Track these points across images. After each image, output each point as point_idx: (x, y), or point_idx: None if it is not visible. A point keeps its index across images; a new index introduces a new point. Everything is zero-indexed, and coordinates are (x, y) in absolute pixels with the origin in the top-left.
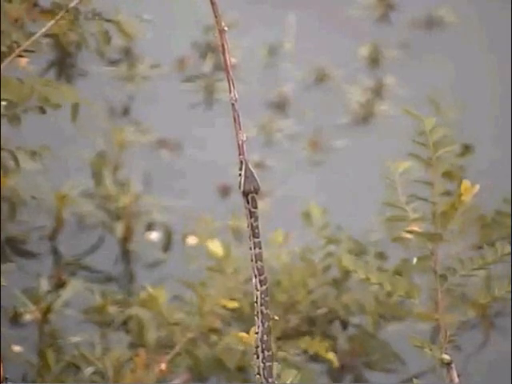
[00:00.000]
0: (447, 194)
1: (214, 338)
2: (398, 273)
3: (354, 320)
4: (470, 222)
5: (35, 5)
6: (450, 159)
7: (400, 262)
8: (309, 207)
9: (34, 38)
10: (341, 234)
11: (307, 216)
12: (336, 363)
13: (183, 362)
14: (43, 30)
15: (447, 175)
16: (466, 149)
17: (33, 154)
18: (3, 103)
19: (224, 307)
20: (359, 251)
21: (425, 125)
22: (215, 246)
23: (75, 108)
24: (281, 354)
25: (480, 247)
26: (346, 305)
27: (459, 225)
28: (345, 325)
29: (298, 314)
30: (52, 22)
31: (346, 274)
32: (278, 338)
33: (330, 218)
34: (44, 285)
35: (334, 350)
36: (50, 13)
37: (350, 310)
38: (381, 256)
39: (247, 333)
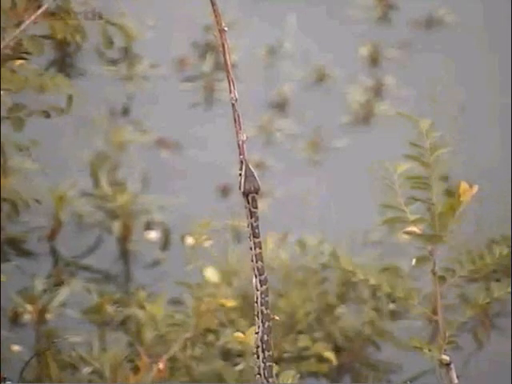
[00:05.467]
0: (446, 194)
1: (211, 337)
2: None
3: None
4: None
5: (39, 7)
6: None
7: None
8: (303, 237)
9: (23, 27)
10: (335, 262)
11: (302, 245)
12: (334, 361)
13: (182, 379)
14: (31, 18)
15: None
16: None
17: (22, 149)
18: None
19: (222, 306)
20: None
21: (420, 127)
22: (211, 274)
23: (70, 100)
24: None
25: (471, 280)
26: (342, 328)
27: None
28: (338, 349)
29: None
30: (41, 10)
31: (342, 298)
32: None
33: (325, 246)
34: (39, 285)
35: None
36: (53, 15)
37: (346, 334)
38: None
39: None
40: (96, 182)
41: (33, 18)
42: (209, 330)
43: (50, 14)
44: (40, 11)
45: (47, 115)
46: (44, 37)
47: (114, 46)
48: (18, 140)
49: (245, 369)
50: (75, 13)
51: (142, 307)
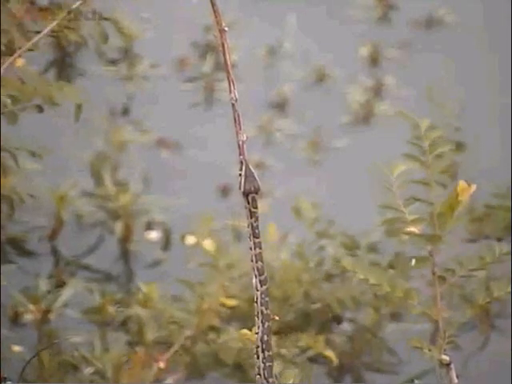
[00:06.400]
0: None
1: (212, 335)
2: (392, 267)
3: (349, 315)
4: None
5: (32, 3)
6: (446, 157)
7: (394, 256)
8: (298, 202)
9: (35, 40)
10: (333, 229)
11: (297, 211)
12: (335, 360)
13: (181, 359)
14: (45, 31)
15: (445, 173)
16: (460, 147)
17: (32, 155)
18: (5, 100)
19: (223, 305)
20: (352, 245)
21: (419, 126)
22: (208, 244)
23: (79, 109)
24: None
25: (472, 241)
26: (341, 300)
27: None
28: (339, 320)
29: (293, 308)
30: (54, 23)
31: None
32: (275, 333)
33: (321, 212)
34: (43, 285)
35: (332, 346)
36: (48, 11)
37: (344, 304)
38: (373, 249)
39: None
40: (98, 182)
41: (46, 31)
42: (210, 328)
43: (46, 10)
44: (54, 24)
45: (40, 109)
46: (39, 33)
47: (108, 40)
48: (22, 144)
49: (243, 348)
50: (75, 13)
51: (145, 306)
